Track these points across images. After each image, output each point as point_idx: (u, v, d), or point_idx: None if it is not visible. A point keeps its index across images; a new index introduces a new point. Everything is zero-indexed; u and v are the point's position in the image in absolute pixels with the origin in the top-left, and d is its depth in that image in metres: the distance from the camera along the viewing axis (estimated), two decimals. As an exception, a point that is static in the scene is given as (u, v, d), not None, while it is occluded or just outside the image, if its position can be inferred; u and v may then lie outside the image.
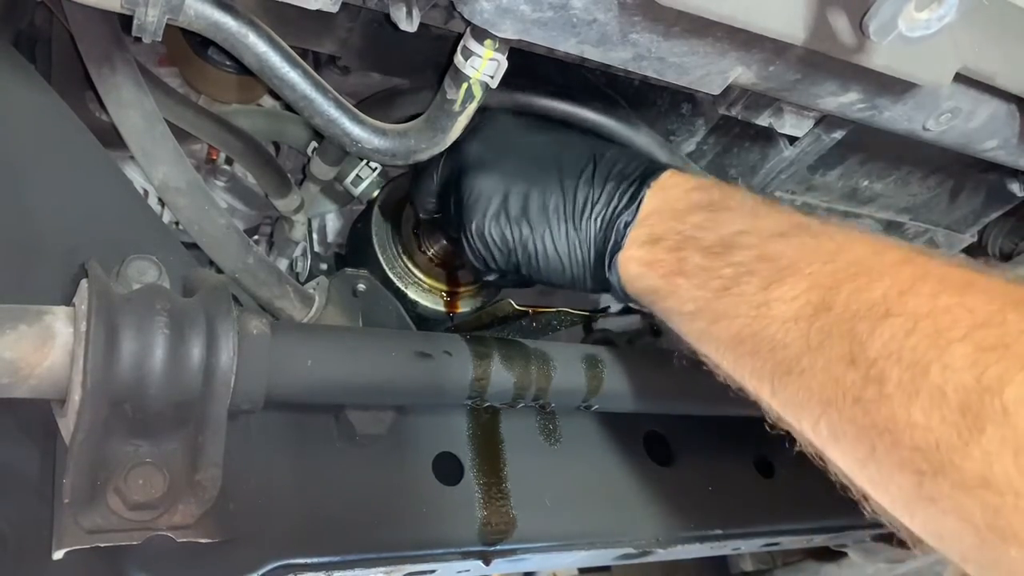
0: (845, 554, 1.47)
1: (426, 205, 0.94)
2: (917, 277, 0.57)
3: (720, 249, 0.71)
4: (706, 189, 0.79)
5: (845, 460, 0.58)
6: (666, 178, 0.81)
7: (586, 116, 1.00)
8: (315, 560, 0.79)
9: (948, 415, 0.49)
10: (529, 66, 0.85)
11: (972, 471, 0.48)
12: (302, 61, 0.77)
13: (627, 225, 0.79)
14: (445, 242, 1.08)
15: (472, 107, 0.79)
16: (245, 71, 0.79)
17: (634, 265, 0.78)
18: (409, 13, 0.73)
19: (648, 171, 0.82)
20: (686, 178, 0.81)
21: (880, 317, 0.55)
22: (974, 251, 1.37)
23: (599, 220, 0.81)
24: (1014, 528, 0.46)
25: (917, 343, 0.52)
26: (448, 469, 0.90)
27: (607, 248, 0.80)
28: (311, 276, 1.15)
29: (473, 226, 0.84)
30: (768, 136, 1.02)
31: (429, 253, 1.10)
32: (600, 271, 0.81)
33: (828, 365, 0.57)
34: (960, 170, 1.19)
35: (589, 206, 0.82)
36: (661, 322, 0.80)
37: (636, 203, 0.80)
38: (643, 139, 1.03)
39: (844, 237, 0.66)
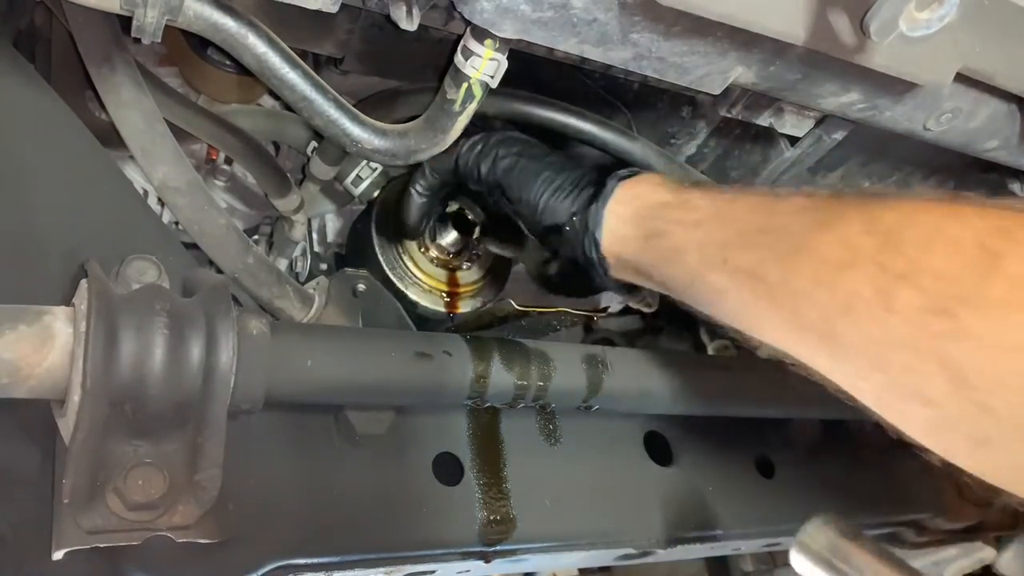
0: (845, 554, 1.47)
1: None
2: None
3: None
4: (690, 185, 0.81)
5: (860, 322, 0.58)
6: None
7: (583, 127, 1.01)
8: (315, 560, 0.79)
9: (967, 255, 0.51)
10: (529, 72, 0.85)
11: (1000, 296, 0.49)
12: (302, 62, 0.77)
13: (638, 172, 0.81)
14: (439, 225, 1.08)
15: (472, 107, 0.79)
16: (245, 71, 0.79)
17: (644, 184, 0.79)
18: (409, 12, 0.73)
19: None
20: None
21: (889, 203, 0.58)
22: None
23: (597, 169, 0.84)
24: None
25: (928, 214, 0.55)
26: (448, 469, 0.90)
27: (613, 172, 0.81)
28: (311, 276, 1.15)
29: (499, 131, 0.86)
30: (769, 138, 1.02)
31: (430, 253, 1.10)
32: (598, 189, 0.81)
33: (842, 237, 0.59)
34: (960, 171, 1.19)
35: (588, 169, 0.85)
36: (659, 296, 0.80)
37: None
38: (640, 149, 1.04)
39: None
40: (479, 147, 0.87)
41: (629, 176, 0.80)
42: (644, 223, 0.77)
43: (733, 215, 0.70)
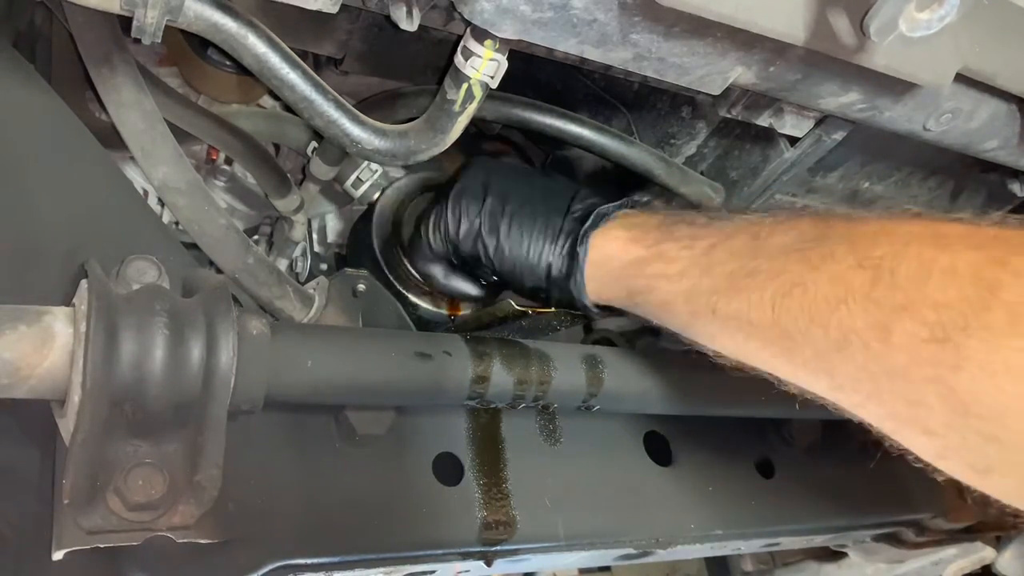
0: (845, 554, 1.47)
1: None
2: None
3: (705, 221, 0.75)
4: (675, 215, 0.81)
5: (856, 357, 0.57)
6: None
7: (580, 132, 1.01)
8: (315, 560, 0.79)
9: (964, 286, 0.51)
10: (529, 73, 0.85)
11: (1001, 323, 0.49)
12: (302, 62, 0.77)
13: (606, 216, 0.82)
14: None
15: (472, 107, 0.79)
16: (245, 71, 0.79)
17: (614, 243, 0.80)
18: (409, 12, 0.73)
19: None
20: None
21: (877, 234, 0.59)
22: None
23: (580, 207, 0.85)
24: None
25: (920, 248, 0.55)
26: (448, 469, 0.90)
27: (582, 229, 0.82)
28: (311, 276, 1.15)
29: (453, 192, 0.87)
30: (769, 138, 1.02)
31: None
32: (572, 247, 0.83)
33: (835, 275, 0.59)
34: (960, 171, 1.19)
35: (567, 204, 0.86)
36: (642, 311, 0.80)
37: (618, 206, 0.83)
38: (637, 153, 1.04)
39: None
40: (441, 227, 0.89)
41: (594, 228, 0.82)
42: (625, 282, 0.79)
43: (715, 262, 0.70)
